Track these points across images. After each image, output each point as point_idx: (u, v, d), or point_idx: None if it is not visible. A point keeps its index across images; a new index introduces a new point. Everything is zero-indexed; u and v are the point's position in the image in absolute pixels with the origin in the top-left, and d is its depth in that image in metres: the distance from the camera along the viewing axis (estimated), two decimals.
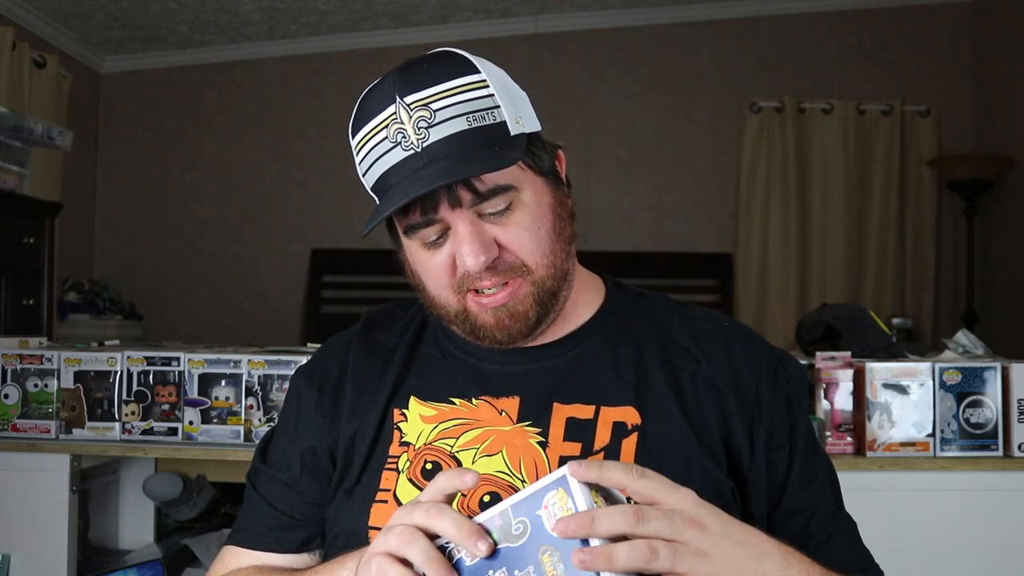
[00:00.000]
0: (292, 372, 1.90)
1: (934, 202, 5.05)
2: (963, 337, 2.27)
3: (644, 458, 0.94)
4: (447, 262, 0.96)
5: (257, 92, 5.35)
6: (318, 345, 1.23)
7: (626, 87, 5.21)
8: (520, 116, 0.96)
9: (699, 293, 5.09)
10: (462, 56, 0.95)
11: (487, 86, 0.94)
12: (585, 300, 1.07)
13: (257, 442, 1.17)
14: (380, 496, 0.98)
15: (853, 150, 5.03)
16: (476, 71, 0.94)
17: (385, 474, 0.99)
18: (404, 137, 0.92)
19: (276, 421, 1.14)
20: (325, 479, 1.05)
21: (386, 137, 0.93)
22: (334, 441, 1.04)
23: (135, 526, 2.35)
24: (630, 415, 0.97)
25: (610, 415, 0.98)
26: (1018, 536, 1.85)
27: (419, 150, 0.91)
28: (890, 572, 1.04)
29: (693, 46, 5.19)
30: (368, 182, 0.97)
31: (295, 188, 5.31)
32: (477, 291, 0.96)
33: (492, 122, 0.93)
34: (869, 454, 1.87)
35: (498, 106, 0.93)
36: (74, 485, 1.96)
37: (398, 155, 0.92)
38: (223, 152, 5.34)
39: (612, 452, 0.95)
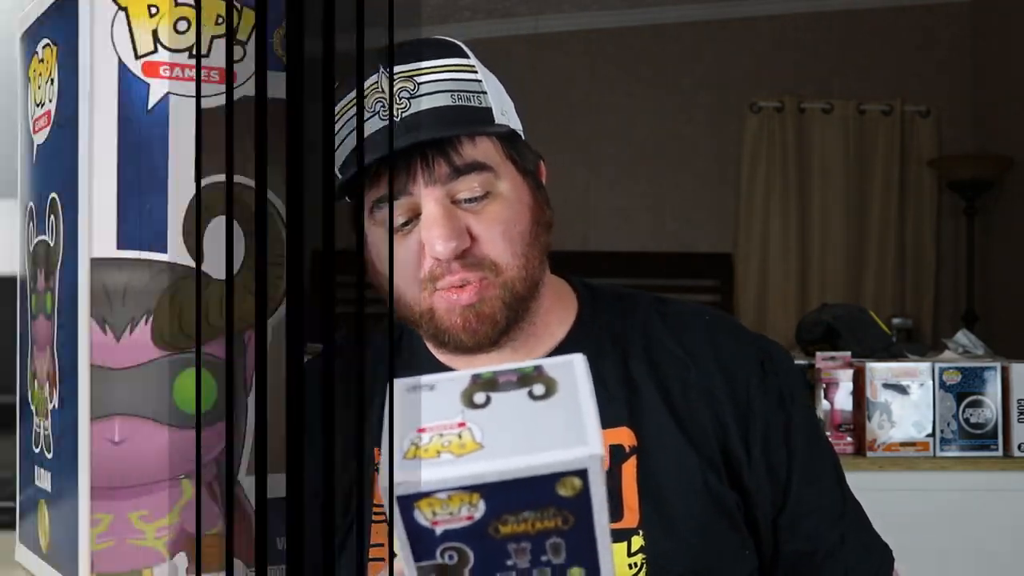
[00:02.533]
0: None
1: (934, 202, 5.05)
2: (963, 337, 2.27)
3: (645, 482, 0.91)
4: (414, 251, 0.88)
5: None
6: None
7: (626, 87, 5.21)
8: (505, 111, 0.92)
9: (699, 293, 5.09)
10: (453, 42, 0.92)
11: (475, 71, 0.89)
12: (558, 318, 0.98)
13: None
14: (374, 553, 0.91)
15: (853, 150, 5.02)
16: (466, 56, 0.90)
17: (375, 527, 0.91)
18: (384, 108, 0.86)
19: None
20: None
21: (364, 108, 0.87)
22: None
23: None
24: (626, 436, 0.92)
25: (606, 438, 0.90)
26: (1018, 536, 1.85)
27: (398, 120, 0.85)
28: None
29: (693, 46, 5.19)
30: (339, 158, 0.89)
31: None
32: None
33: (477, 105, 0.88)
34: (869, 454, 1.87)
35: (485, 92, 0.89)
36: None
37: (375, 124, 0.86)
38: None
39: (613, 478, 0.90)
